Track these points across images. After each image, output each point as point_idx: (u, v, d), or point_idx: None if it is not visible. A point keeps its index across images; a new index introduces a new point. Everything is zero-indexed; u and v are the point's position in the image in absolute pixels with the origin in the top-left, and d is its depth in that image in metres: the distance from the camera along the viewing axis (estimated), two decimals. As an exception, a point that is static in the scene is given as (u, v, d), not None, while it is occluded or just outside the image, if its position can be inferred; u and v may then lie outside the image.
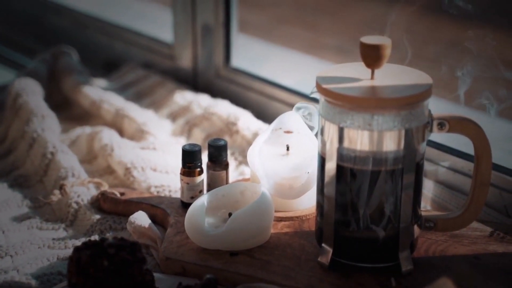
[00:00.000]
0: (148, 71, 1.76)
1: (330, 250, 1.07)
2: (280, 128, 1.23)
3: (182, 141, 1.51)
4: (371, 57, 1.02)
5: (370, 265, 1.06)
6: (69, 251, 1.16)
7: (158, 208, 1.23)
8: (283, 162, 1.20)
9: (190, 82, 1.72)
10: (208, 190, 1.23)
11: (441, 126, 1.04)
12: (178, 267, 1.10)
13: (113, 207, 1.27)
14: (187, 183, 1.21)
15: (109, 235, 1.21)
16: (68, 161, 1.37)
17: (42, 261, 1.14)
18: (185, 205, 1.22)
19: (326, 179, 1.05)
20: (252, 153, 1.20)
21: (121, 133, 1.54)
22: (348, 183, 1.03)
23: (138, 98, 1.68)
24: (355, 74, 1.05)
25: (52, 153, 1.39)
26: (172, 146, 1.46)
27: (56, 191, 1.31)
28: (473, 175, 1.07)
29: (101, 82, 1.74)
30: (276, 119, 1.23)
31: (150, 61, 1.80)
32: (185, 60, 1.72)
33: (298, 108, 1.22)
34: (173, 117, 1.58)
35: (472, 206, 1.08)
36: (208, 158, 1.23)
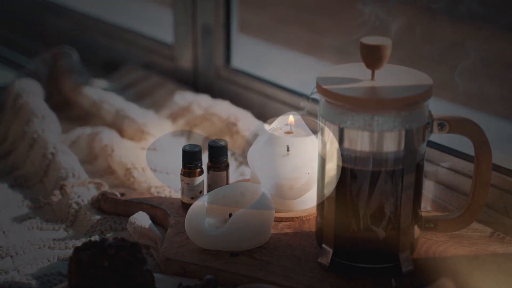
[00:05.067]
0: (149, 71, 1.76)
1: (330, 250, 1.07)
2: (281, 129, 1.23)
3: (182, 142, 1.51)
4: (372, 57, 1.02)
5: (370, 265, 1.06)
6: (69, 252, 1.16)
7: (158, 209, 1.23)
8: (283, 162, 1.20)
9: (190, 83, 1.71)
10: (208, 191, 1.23)
11: (441, 126, 1.04)
12: (178, 267, 1.10)
13: (114, 208, 1.27)
14: (187, 184, 1.21)
15: (109, 236, 1.21)
16: (69, 161, 1.37)
17: (43, 262, 1.14)
18: (185, 206, 1.22)
19: (327, 179, 1.05)
20: (253, 154, 1.20)
21: (121, 133, 1.54)
22: (348, 184, 1.03)
23: (138, 98, 1.68)
24: (355, 75, 1.05)
25: (52, 154, 1.39)
26: (172, 147, 1.46)
27: (57, 192, 1.31)
28: (473, 175, 1.07)
29: (101, 82, 1.74)
30: (277, 119, 1.23)
31: (150, 62, 1.80)
32: (185, 61, 1.72)
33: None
34: (174, 117, 1.58)
35: (472, 206, 1.08)
36: (208, 158, 1.23)
